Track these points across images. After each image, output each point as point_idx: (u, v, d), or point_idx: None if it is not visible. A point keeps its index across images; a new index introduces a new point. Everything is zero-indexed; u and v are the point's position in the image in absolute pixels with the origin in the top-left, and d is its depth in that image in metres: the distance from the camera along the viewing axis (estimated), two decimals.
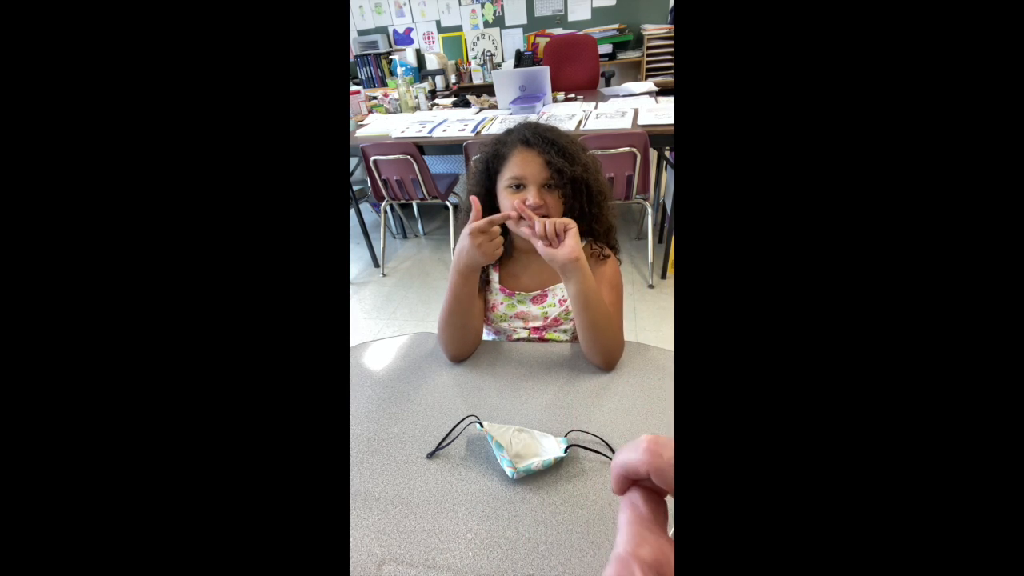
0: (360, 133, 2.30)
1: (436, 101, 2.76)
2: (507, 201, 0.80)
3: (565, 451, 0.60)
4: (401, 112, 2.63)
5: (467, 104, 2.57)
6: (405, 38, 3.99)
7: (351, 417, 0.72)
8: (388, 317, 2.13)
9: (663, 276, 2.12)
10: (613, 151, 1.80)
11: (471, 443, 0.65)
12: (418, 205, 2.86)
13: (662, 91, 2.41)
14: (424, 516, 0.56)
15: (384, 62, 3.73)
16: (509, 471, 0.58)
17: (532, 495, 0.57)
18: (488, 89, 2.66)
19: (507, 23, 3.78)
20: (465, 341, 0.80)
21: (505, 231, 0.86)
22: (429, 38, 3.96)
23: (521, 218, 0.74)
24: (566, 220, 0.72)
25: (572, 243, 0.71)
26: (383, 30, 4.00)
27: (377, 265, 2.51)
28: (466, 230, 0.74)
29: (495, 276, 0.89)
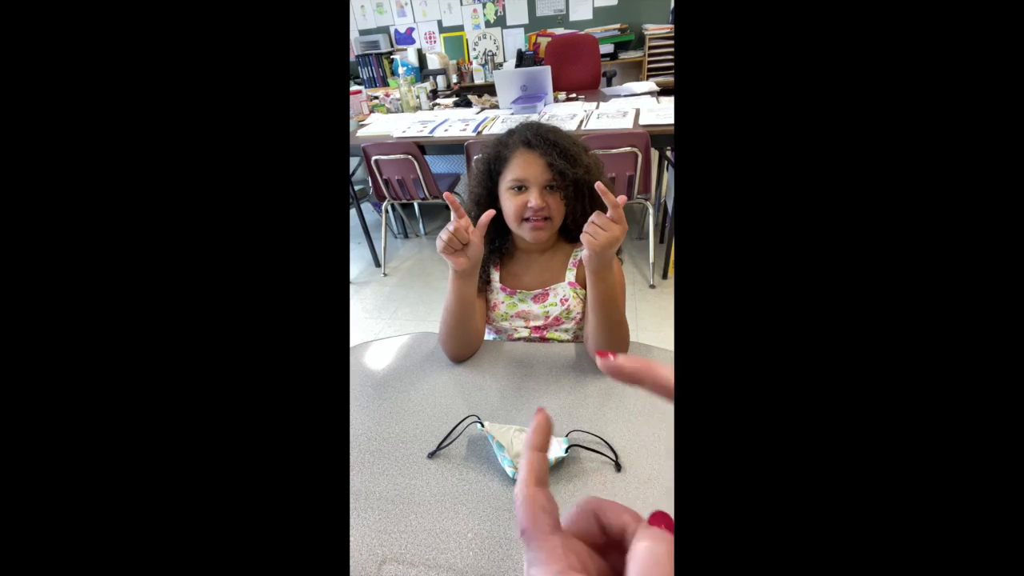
0: (361, 133, 2.30)
1: (437, 101, 2.76)
2: (509, 203, 0.80)
3: (566, 451, 0.60)
4: (402, 112, 2.63)
5: (468, 104, 2.57)
6: (407, 38, 4.00)
7: (352, 417, 0.72)
8: (389, 317, 2.13)
9: (664, 276, 2.12)
10: (614, 151, 1.80)
11: (472, 443, 0.65)
12: (419, 205, 2.86)
13: (663, 91, 2.40)
14: (425, 516, 0.57)
15: (386, 62, 3.73)
16: (510, 471, 0.58)
17: None
18: (489, 89, 2.66)
19: (508, 23, 3.77)
20: (466, 341, 0.80)
21: (506, 230, 0.86)
22: (430, 38, 3.96)
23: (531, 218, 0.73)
24: (606, 220, 0.67)
25: (619, 233, 0.66)
26: (385, 30, 4.00)
27: (378, 265, 2.51)
28: (440, 237, 0.72)
29: (496, 275, 0.89)
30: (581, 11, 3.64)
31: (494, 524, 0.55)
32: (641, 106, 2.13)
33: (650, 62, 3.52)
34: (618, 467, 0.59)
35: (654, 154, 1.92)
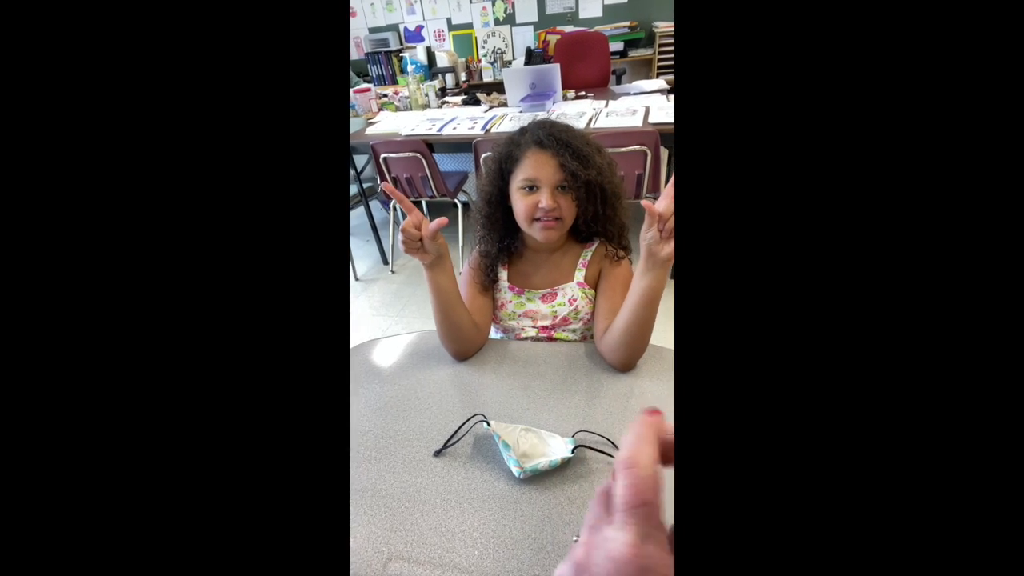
0: (370, 131, 2.31)
1: (446, 99, 2.76)
2: (520, 202, 0.80)
3: (572, 452, 0.59)
4: (411, 110, 2.64)
5: (477, 102, 2.57)
6: (416, 35, 4.00)
7: (358, 414, 0.72)
8: (397, 314, 2.14)
9: (672, 276, 2.10)
10: (624, 149, 1.79)
11: (478, 442, 0.65)
12: (427, 203, 2.87)
13: (673, 89, 2.39)
14: (430, 514, 0.57)
15: (395, 59, 3.74)
16: (516, 471, 0.58)
17: (539, 495, 0.57)
18: (498, 87, 2.65)
19: (518, 20, 3.76)
20: (459, 335, 0.79)
21: (515, 228, 0.85)
22: (439, 35, 3.96)
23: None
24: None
25: None
26: (394, 27, 4.00)
27: (386, 262, 2.52)
28: (402, 227, 0.72)
29: (504, 274, 0.89)
30: (591, 8, 3.62)
31: (500, 523, 0.55)
32: (651, 104, 2.12)
33: (660, 60, 3.49)
34: None
35: (664, 153, 1.90)
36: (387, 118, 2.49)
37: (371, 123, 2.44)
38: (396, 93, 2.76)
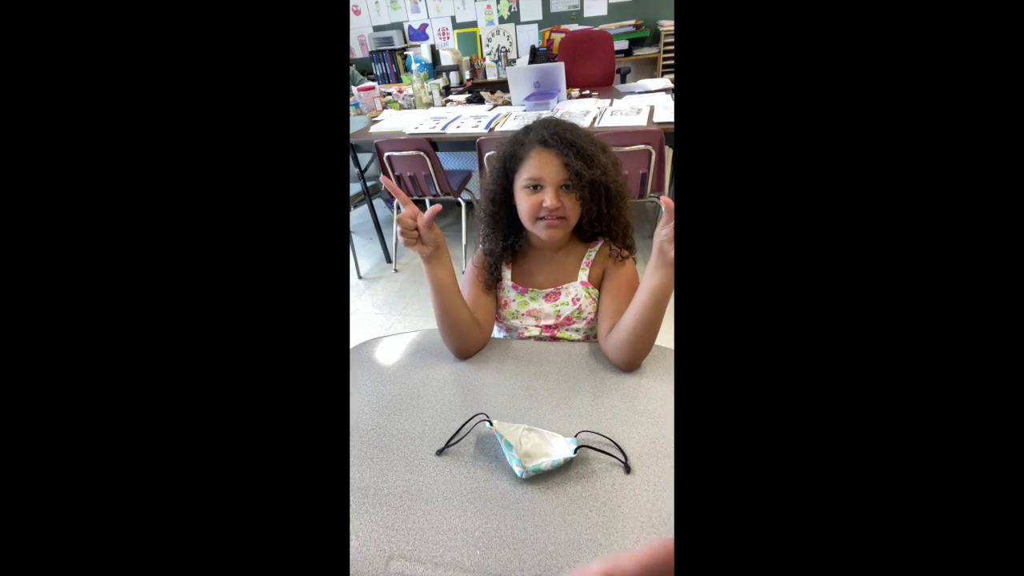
0: (374, 129, 2.31)
1: (450, 97, 2.76)
2: (524, 201, 0.80)
3: (575, 452, 0.59)
4: (415, 108, 2.64)
5: (481, 100, 2.56)
6: (420, 34, 4.00)
7: (361, 412, 0.72)
8: (399, 313, 2.14)
9: None
10: (628, 148, 1.78)
11: (480, 441, 0.65)
12: (430, 201, 2.87)
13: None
14: (432, 513, 0.56)
15: (399, 58, 3.74)
16: (518, 470, 0.58)
17: (541, 495, 0.57)
18: (502, 85, 2.65)
19: (522, 19, 3.76)
20: (458, 333, 0.79)
21: (519, 227, 0.85)
22: (444, 34, 3.96)
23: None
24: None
25: None
26: (398, 26, 4.00)
27: (389, 261, 2.52)
28: (398, 218, 0.73)
29: (507, 273, 0.89)
30: (596, 7, 3.61)
31: (501, 523, 0.55)
32: (655, 103, 2.11)
33: (665, 59, 3.48)
34: (627, 469, 0.59)
35: (668, 152, 1.89)
36: (391, 116, 2.49)
37: (375, 121, 2.44)
38: (400, 91, 2.76)
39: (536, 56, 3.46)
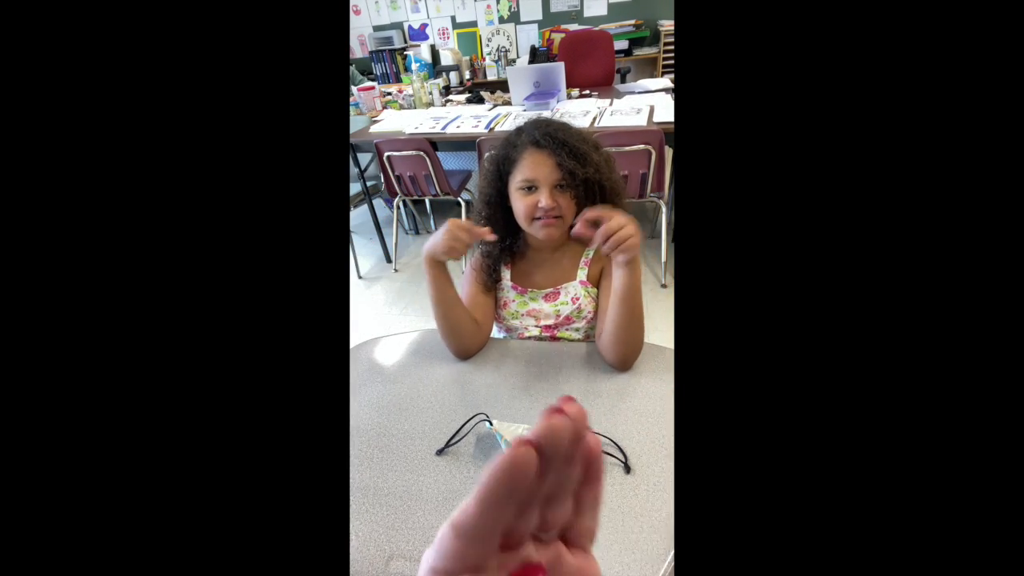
0: (374, 129, 2.31)
1: (450, 97, 2.76)
2: (519, 203, 0.80)
3: None
4: (415, 108, 2.63)
5: (481, 100, 2.56)
6: (420, 34, 4.00)
7: (361, 412, 0.72)
8: (399, 313, 2.14)
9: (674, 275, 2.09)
10: (628, 148, 1.78)
11: (480, 441, 0.65)
12: (430, 201, 2.87)
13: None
14: (433, 513, 0.56)
15: (399, 58, 3.74)
16: None
17: None
18: (502, 85, 2.65)
19: (522, 19, 3.76)
20: (457, 333, 0.79)
21: (516, 229, 0.85)
22: (444, 34, 3.96)
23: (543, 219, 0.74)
24: (619, 221, 0.67)
25: (635, 235, 0.68)
26: (398, 26, 4.00)
27: (389, 261, 2.52)
28: (452, 222, 0.74)
29: (507, 273, 0.89)
30: (596, 7, 3.61)
31: None
32: (655, 103, 2.11)
33: (665, 59, 3.48)
34: (627, 469, 0.59)
35: (668, 152, 1.89)
36: (391, 116, 2.49)
37: (375, 121, 2.44)
38: (400, 91, 2.76)
39: (536, 56, 3.46)
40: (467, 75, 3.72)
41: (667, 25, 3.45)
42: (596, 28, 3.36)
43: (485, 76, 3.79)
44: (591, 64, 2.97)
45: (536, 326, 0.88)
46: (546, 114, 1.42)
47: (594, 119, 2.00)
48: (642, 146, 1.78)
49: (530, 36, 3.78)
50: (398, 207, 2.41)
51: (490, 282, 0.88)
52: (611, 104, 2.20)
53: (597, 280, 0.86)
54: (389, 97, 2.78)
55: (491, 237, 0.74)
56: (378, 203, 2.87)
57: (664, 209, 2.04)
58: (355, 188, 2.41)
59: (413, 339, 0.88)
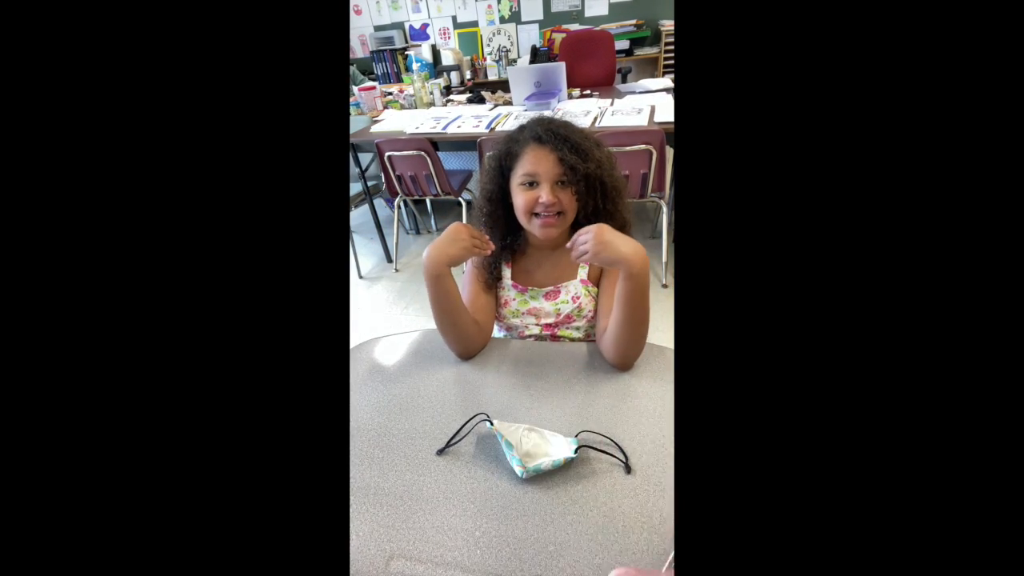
0: (375, 129, 2.31)
1: (451, 97, 2.76)
2: (520, 197, 0.80)
3: (575, 452, 0.59)
4: (416, 108, 2.63)
5: (482, 100, 2.56)
6: (421, 34, 4.00)
7: (361, 412, 0.72)
8: (400, 312, 2.14)
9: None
10: (629, 148, 1.78)
11: (481, 441, 0.65)
12: (431, 201, 2.87)
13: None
14: (433, 513, 0.56)
15: (400, 58, 3.74)
16: (518, 470, 0.58)
17: (541, 495, 0.57)
18: (503, 85, 2.65)
19: (523, 19, 3.76)
20: (464, 337, 0.79)
21: (517, 227, 0.85)
22: (445, 34, 3.96)
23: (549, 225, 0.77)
24: (584, 234, 0.69)
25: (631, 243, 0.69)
26: (399, 26, 4.00)
27: (390, 260, 2.52)
28: (461, 225, 0.75)
29: (507, 272, 0.89)
30: (596, 7, 3.61)
31: (502, 522, 0.55)
32: (656, 103, 2.11)
33: (666, 59, 3.48)
34: (628, 469, 0.59)
35: (669, 152, 1.89)
36: (392, 116, 2.49)
37: (376, 121, 2.44)
38: (401, 91, 2.76)
39: (537, 56, 3.46)
40: (468, 75, 3.72)
41: (668, 25, 3.45)
42: (597, 28, 3.36)
43: (486, 76, 3.79)
44: (592, 64, 2.97)
45: (537, 325, 0.88)
46: (548, 114, 1.42)
47: (595, 119, 2.00)
48: (643, 146, 1.77)
49: (531, 36, 3.78)
50: (399, 207, 2.41)
51: (490, 280, 0.88)
52: (612, 104, 2.20)
53: (598, 279, 0.86)
54: (390, 97, 2.78)
55: (489, 250, 0.76)
56: (379, 203, 2.87)
57: (665, 209, 2.04)
58: (356, 188, 2.41)
59: (413, 339, 0.88)
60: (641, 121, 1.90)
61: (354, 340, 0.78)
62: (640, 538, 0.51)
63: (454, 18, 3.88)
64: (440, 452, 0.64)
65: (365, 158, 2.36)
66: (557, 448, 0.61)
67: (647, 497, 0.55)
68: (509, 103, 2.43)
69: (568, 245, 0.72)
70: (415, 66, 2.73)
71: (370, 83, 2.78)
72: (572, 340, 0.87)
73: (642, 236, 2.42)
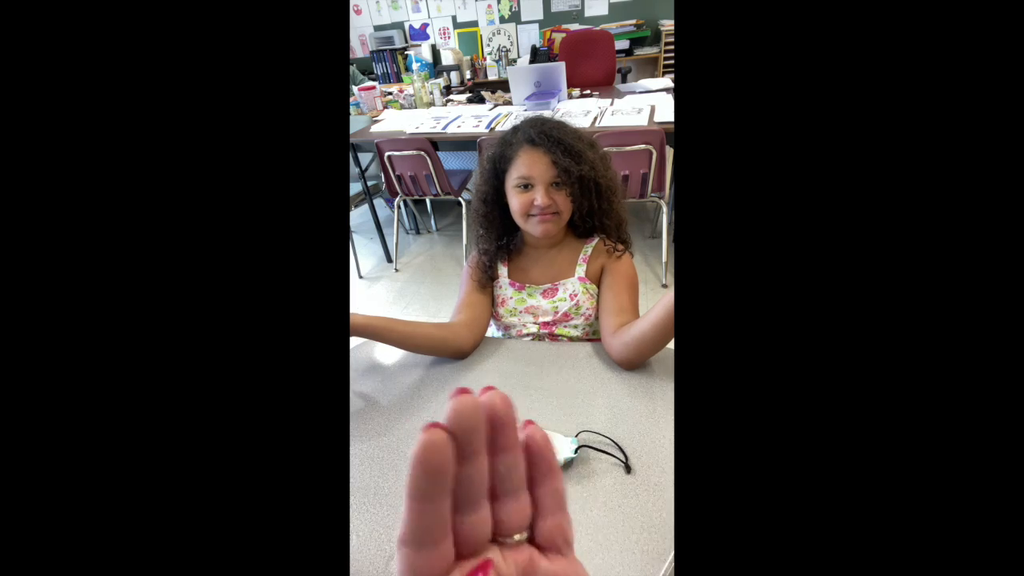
0: (375, 128, 2.31)
1: (451, 97, 2.76)
2: (515, 200, 0.81)
3: (575, 452, 0.59)
4: (416, 108, 2.64)
5: (482, 100, 2.56)
6: (421, 34, 4.00)
7: (361, 412, 0.72)
8: (400, 312, 2.14)
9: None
10: (629, 148, 1.78)
11: None
12: (431, 201, 2.87)
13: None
14: None
15: (400, 57, 3.74)
16: None
17: None
18: (503, 85, 2.65)
19: (523, 19, 3.76)
20: (438, 348, 0.79)
21: (514, 226, 0.86)
22: (445, 33, 3.96)
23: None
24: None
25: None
26: (399, 25, 4.00)
27: (390, 260, 2.52)
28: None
29: (504, 270, 0.89)
30: (596, 7, 3.61)
31: None
32: (656, 103, 2.11)
33: (666, 58, 3.48)
34: (628, 469, 0.59)
35: (669, 152, 1.89)
36: (392, 116, 2.49)
37: (376, 121, 2.44)
38: (401, 91, 2.76)
39: (537, 56, 3.46)
40: (468, 75, 3.72)
41: (668, 25, 3.45)
42: (597, 28, 3.36)
43: (486, 76, 3.79)
44: (592, 64, 2.97)
45: (534, 323, 0.88)
46: (547, 114, 1.42)
47: (595, 119, 2.00)
48: (643, 146, 1.77)
49: (531, 36, 3.78)
50: (399, 207, 2.41)
51: (486, 280, 0.88)
52: (612, 104, 2.20)
53: (596, 277, 0.86)
54: (390, 97, 2.78)
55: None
56: (379, 203, 2.87)
57: (665, 209, 2.04)
58: (356, 188, 2.41)
59: None
60: (641, 121, 1.90)
61: (354, 340, 0.78)
62: (640, 538, 0.51)
63: (454, 18, 3.88)
64: None
65: (365, 158, 2.36)
66: (557, 448, 0.61)
67: (647, 497, 0.55)
68: (509, 103, 2.43)
69: None
70: (415, 66, 2.73)
71: (370, 83, 2.78)
72: (570, 339, 0.87)
73: (642, 236, 2.42)
